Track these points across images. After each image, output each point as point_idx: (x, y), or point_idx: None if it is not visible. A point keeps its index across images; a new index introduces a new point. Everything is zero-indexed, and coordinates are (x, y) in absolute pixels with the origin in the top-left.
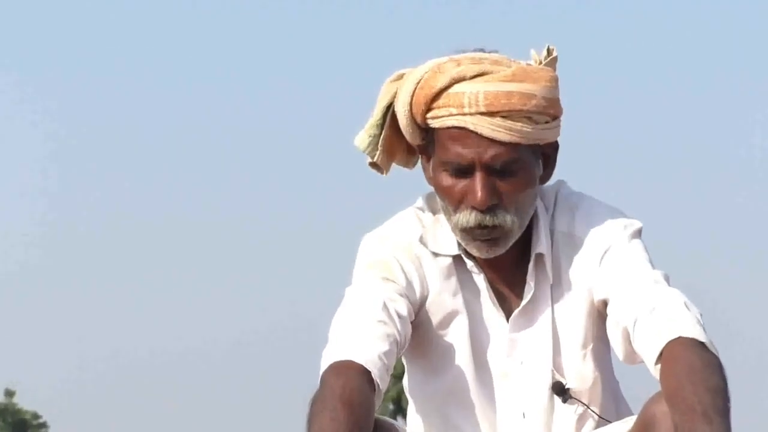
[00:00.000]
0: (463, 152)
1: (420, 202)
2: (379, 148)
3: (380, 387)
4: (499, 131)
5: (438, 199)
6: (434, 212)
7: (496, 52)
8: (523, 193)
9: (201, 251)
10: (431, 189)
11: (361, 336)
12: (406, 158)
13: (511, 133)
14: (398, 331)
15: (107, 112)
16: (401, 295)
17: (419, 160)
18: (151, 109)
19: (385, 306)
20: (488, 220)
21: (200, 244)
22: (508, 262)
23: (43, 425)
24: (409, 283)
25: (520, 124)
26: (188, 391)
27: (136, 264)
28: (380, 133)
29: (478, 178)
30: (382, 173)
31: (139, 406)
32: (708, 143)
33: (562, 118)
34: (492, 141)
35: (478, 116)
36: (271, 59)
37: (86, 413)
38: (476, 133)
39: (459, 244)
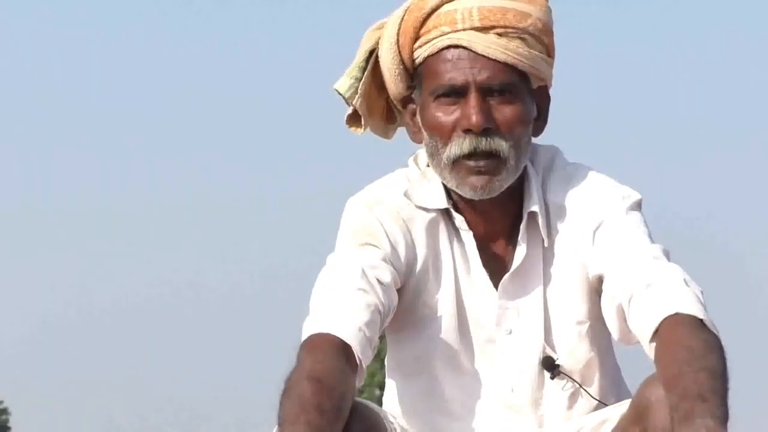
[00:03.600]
0: (456, 74)
1: (408, 163)
2: (360, 92)
3: (362, 361)
4: (495, 48)
5: (425, 154)
6: (421, 169)
7: None
8: (520, 126)
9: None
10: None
11: (340, 307)
12: (384, 125)
13: (507, 51)
14: (380, 299)
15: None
16: (385, 261)
17: (396, 130)
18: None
19: (364, 273)
20: (484, 143)
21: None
22: (498, 226)
23: (4, 411)
24: (394, 249)
25: (515, 43)
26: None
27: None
28: (362, 77)
29: (473, 100)
30: (359, 129)
31: (107, 380)
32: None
33: (555, 70)
34: (487, 60)
35: (472, 32)
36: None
37: (49, 389)
38: (470, 51)
39: (448, 198)
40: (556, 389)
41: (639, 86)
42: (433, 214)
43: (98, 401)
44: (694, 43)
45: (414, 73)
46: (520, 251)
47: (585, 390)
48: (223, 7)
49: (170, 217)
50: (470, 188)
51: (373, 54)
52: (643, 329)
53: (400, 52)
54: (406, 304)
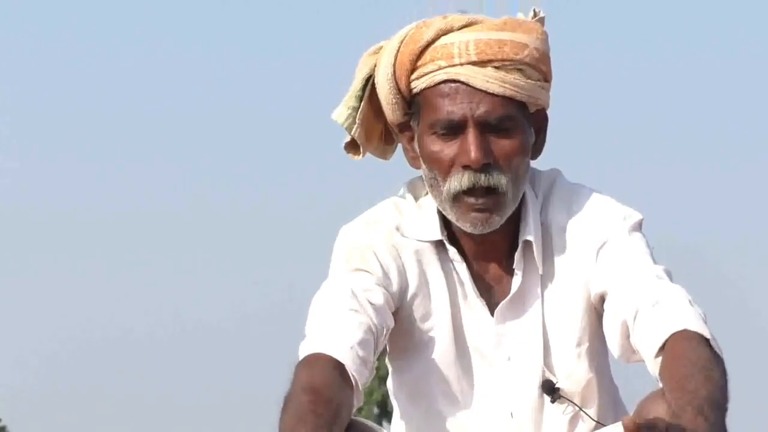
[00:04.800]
0: (455, 108)
1: (401, 190)
2: (358, 121)
3: (356, 380)
4: (492, 82)
5: (422, 183)
6: (416, 198)
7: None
8: (518, 158)
9: (166, 229)
10: (413, 177)
11: (332, 328)
12: (383, 147)
13: (504, 85)
14: (372, 320)
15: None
16: (377, 285)
17: (395, 151)
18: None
19: (355, 295)
20: (483, 179)
21: (161, 222)
22: (495, 252)
23: (3, 429)
24: (386, 274)
25: (512, 76)
26: (160, 377)
27: (92, 241)
28: (359, 106)
29: (471, 135)
30: (357, 156)
31: (107, 396)
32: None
33: (552, 92)
34: (485, 94)
35: (470, 66)
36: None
37: (47, 409)
38: (467, 86)
39: (442, 230)
40: (557, 413)
41: (635, 104)
42: (427, 246)
43: (96, 421)
44: (699, 72)
45: (411, 102)
46: (516, 279)
47: (585, 412)
48: (228, 34)
49: (168, 243)
50: (471, 224)
51: (369, 80)
52: (650, 344)
53: (396, 82)
54: (402, 331)
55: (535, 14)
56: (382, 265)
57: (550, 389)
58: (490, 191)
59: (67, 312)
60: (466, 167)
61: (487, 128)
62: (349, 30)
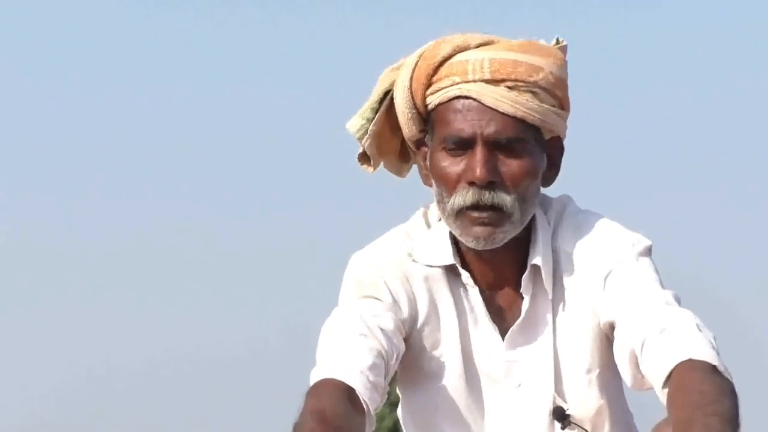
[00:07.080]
0: (465, 125)
1: (415, 216)
2: (370, 132)
3: (368, 405)
4: (503, 102)
5: (434, 206)
6: (429, 224)
7: None
8: (526, 180)
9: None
10: (428, 203)
11: (342, 353)
12: (399, 164)
13: (516, 105)
14: (383, 345)
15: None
16: (387, 311)
17: (410, 169)
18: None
19: (364, 321)
20: (487, 197)
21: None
22: (506, 277)
23: None
24: (396, 302)
25: (525, 97)
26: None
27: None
28: (374, 118)
29: (479, 152)
30: (370, 168)
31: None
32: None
33: (569, 122)
34: (495, 113)
35: (482, 84)
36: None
37: None
38: (479, 104)
39: (455, 254)
40: None
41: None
42: (439, 271)
43: None
44: (703, 100)
45: (427, 118)
46: (525, 303)
47: None
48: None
49: (181, 275)
50: (473, 239)
51: (388, 95)
52: (656, 375)
53: (413, 97)
54: (411, 359)
55: (558, 42)
56: (392, 293)
57: (560, 416)
58: (495, 209)
59: (75, 347)
60: (471, 183)
61: (496, 147)
62: (356, 53)
